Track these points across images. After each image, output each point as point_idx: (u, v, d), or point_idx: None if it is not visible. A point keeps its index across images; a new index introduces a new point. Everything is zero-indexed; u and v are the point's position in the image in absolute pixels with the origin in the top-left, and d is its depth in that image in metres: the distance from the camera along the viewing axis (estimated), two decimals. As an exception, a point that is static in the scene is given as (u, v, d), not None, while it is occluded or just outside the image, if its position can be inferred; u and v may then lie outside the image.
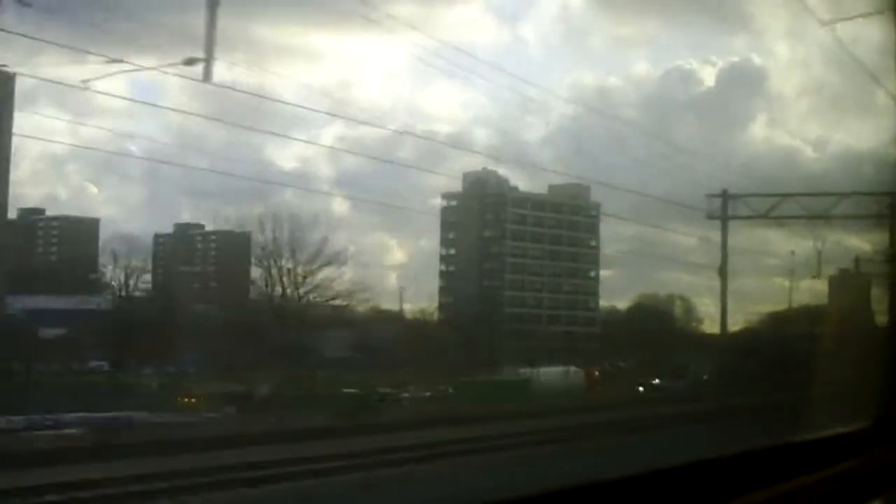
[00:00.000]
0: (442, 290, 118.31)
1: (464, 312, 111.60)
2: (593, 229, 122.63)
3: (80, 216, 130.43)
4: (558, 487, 3.56)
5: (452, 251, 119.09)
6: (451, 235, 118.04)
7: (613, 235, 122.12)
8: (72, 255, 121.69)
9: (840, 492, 5.26)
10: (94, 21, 49.69)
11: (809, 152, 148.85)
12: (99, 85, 42.76)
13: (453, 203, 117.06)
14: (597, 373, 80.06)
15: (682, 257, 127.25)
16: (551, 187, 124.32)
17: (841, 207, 73.63)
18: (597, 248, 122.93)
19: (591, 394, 71.36)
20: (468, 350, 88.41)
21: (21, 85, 70.55)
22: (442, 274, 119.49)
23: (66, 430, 40.90)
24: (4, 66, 55.71)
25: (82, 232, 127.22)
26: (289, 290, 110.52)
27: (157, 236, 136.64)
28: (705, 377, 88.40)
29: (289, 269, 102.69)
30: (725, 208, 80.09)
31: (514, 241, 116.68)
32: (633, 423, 40.56)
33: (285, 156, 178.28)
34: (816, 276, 79.92)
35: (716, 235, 79.53)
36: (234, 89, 53.34)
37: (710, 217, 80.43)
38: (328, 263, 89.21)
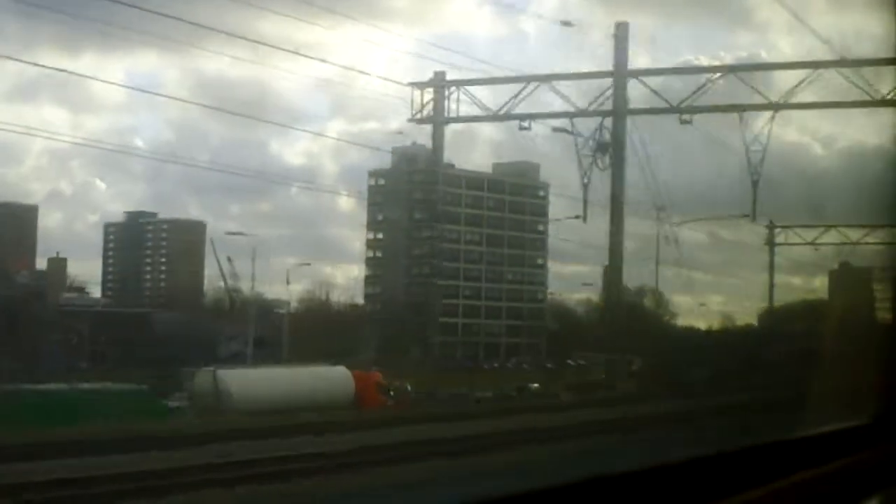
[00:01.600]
0: (368, 280, 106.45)
1: (390, 303, 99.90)
2: (541, 211, 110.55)
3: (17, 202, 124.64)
4: (551, 484, 3.43)
5: (380, 235, 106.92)
6: (378, 218, 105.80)
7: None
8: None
9: (840, 488, 5.12)
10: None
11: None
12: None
13: (381, 182, 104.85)
14: (379, 377, 57.93)
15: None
16: (495, 165, 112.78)
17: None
18: (545, 232, 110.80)
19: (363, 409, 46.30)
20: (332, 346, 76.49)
21: None
22: (368, 261, 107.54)
23: None
24: None
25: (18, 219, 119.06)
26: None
27: (107, 225, 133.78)
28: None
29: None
30: (440, 104, 53.43)
31: (447, 223, 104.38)
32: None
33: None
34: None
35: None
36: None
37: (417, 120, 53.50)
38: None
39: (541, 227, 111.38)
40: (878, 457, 5.64)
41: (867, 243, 61.33)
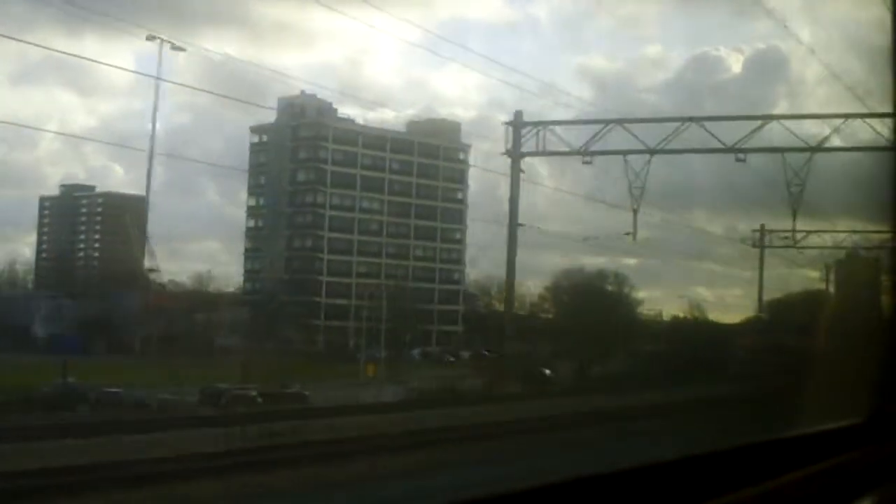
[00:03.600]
0: (247, 254, 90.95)
1: (267, 282, 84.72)
2: (460, 177, 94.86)
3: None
4: (541, 484, 3.51)
5: (261, 201, 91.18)
6: (261, 181, 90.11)
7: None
8: None
9: (833, 487, 5.27)
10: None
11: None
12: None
13: (264, 138, 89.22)
14: None
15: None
16: (410, 123, 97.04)
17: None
18: (464, 201, 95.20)
19: None
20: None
21: None
22: (249, 232, 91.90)
23: None
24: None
25: None
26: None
27: (42, 198, 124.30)
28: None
29: None
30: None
31: (337, 188, 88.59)
32: None
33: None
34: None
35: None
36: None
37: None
38: None
39: (459, 196, 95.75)
40: (873, 455, 5.64)
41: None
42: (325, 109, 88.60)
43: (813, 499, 4.92)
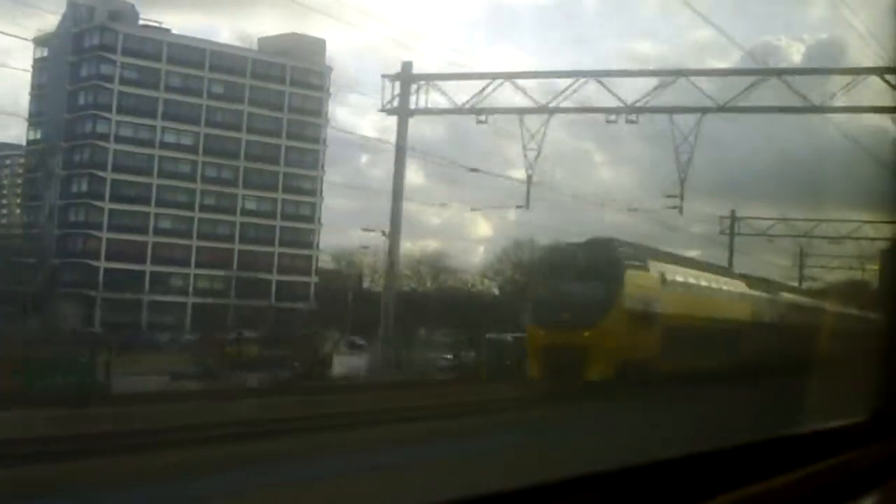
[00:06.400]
0: (25, 204, 71.52)
1: (39, 238, 65.05)
2: (315, 108, 74.31)
3: None
4: (539, 482, 3.47)
5: (39, 134, 71.38)
6: (41, 107, 70.33)
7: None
8: None
9: (836, 484, 5.18)
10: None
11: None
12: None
13: (45, 54, 69.33)
14: None
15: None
16: (262, 39, 76.72)
17: None
18: (321, 140, 74.70)
19: None
20: None
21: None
22: (27, 175, 72.41)
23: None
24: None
25: None
26: None
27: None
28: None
29: None
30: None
31: (127, 115, 68.24)
32: None
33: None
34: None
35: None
36: None
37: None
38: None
39: (316, 133, 75.12)
40: (877, 453, 5.71)
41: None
42: (124, 13, 68.44)
43: (816, 495, 4.82)
